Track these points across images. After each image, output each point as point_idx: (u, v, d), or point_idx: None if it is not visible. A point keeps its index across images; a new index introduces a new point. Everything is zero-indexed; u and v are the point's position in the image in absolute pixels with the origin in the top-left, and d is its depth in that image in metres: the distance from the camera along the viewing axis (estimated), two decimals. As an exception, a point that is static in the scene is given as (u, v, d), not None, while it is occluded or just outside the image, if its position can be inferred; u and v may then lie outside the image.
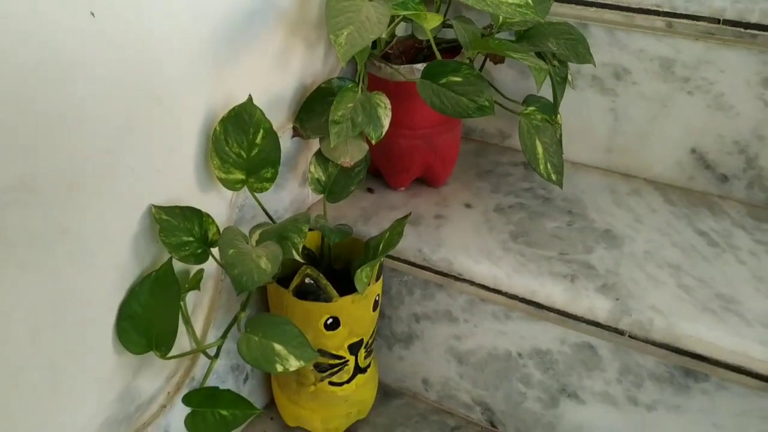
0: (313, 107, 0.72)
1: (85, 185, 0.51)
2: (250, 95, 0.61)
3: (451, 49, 0.78)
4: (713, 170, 0.82)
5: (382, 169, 0.82)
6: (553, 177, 0.73)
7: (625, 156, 0.86)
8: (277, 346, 0.58)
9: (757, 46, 0.73)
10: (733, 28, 0.73)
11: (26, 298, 0.49)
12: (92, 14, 0.49)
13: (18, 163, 0.46)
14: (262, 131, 0.62)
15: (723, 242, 0.73)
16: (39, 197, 0.48)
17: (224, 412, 0.60)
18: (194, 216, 0.59)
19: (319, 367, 0.70)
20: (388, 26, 0.72)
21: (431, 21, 0.68)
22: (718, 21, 0.74)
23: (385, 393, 0.84)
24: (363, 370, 0.73)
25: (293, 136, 0.73)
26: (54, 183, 0.49)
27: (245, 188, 0.64)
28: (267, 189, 0.64)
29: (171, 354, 0.60)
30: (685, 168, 0.83)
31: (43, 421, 0.54)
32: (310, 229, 0.72)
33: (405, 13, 0.66)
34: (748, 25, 0.73)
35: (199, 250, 0.59)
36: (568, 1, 0.80)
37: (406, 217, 0.65)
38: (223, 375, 0.73)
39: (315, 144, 0.74)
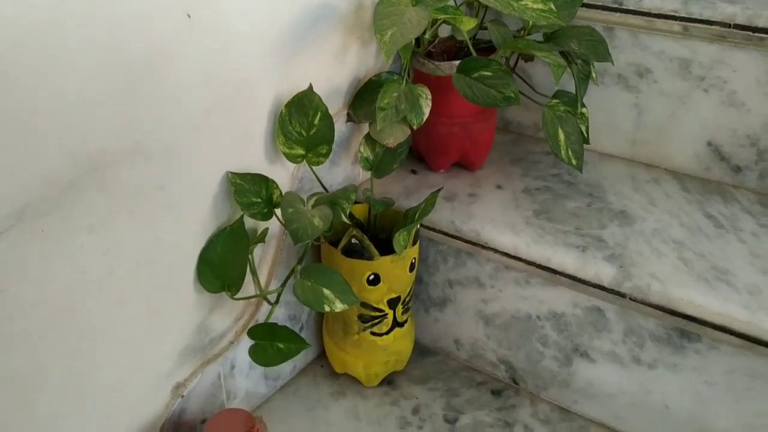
0: (364, 96, 0.84)
1: (178, 153, 0.65)
2: (310, 84, 0.74)
3: (488, 48, 0.88)
4: (728, 161, 0.89)
5: (424, 153, 0.94)
6: (574, 162, 0.83)
7: (647, 148, 0.95)
8: (326, 291, 0.71)
9: (766, 48, 0.81)
10: (743, 32, 0.81)
11: (131, 239, 0.63)
12: (188, 15, 0.62)
13: (133, 131, 0.60)
14: (319, 114, 0.74)
15: (728, 224, 0.81)
16: (145, 159, 0.62)
17: (281, 345, 0.73)
18: (262, 181, 0.72)
19: (362, 318, 0.81)
20: (431, 28, 0.83)
21: (467, 24, 0.79)
22: (729, 25, 0.82)
23: (422, 351, 0.95)
24: (400, 324, 0.84)
25: (347, 121, 0.85)
26: (156, 148, 0.62)
27: (305, 162, 0.76)
28: (323, 162, 0.76)
29: (239, 296, 0.73)
30: (702, 159, 0.91)
31: (140, 343, 0.68)
32: (358, 202, 0.84)
33: (444, 17, 0.78)
34: (756, 29, 0.80)
35: (266, 210, 0.72)
36: (596, 7, 0.90)
37: (439, 190, 0.77)
38: (281, 323, 0.86)
39: (366, 128, 0.86)
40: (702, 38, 0.85)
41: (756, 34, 0.81)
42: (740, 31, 0.81)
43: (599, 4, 0.90)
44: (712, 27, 0.83)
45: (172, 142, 0.64)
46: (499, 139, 1.03)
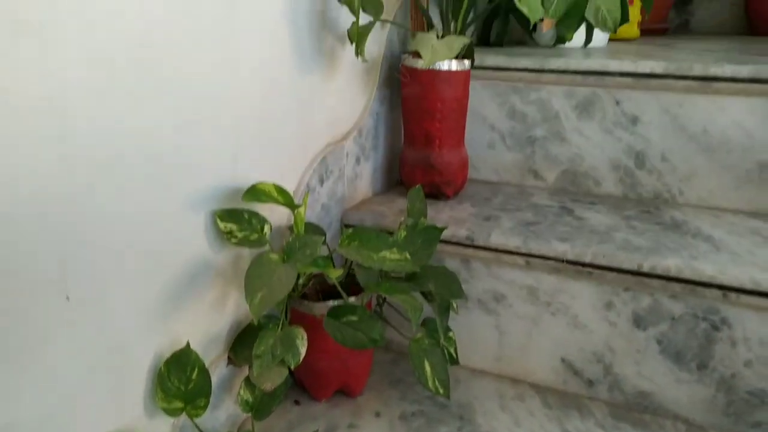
0: (244, 341, 0.90)
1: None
2: (188, 342, 0.79)
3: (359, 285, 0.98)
4: (581, 376, 0.99)
5: (306, 384, 0.99)
6: (441, 391, 0.90)
7: (511, 364, 1.04)
8: None
9: (594, 279, 0.94)
10: (574, 267, 0.94)
11: None
12: (68, 298, 0.68)
13: (7, 411, 0.62)
14: (197, 369, 0.79)
15: (584, 440, 0.89)
16: (16, 439, 0.64)
17: None
18: (139, 442, 0.75)
19: None
20: (304, 275, 0.92)
21: (335, 273, 0.88)
22: (562, 260, 0.95)
23: None
24: None
25: (228, 364, 0.90)
26: (31, 425, 0.65)
27: (184, 413, 0.80)
28: (201, 415, 0.79)
29: None
30: (559, 374, 1.01)
31: None
32: (240, 443, 0.87)
33: (315, 269, 0.86)
34: (584, 264, 0.94)
35: (142, 471, 0.74)
36: (453, 243, 1.02)
37: (314, 432, 0.81)
38: None
39: (247, 369, 0.90)
40: (542, 270, 0.97)
41: (585, 269, 0.94)
42: (571, 266, 0.95)
43: (455, 240, 1.02)
44: (549, 261, 0.96)
45: (48, 419, 0.67)
46: (381, 358, 1.10)
